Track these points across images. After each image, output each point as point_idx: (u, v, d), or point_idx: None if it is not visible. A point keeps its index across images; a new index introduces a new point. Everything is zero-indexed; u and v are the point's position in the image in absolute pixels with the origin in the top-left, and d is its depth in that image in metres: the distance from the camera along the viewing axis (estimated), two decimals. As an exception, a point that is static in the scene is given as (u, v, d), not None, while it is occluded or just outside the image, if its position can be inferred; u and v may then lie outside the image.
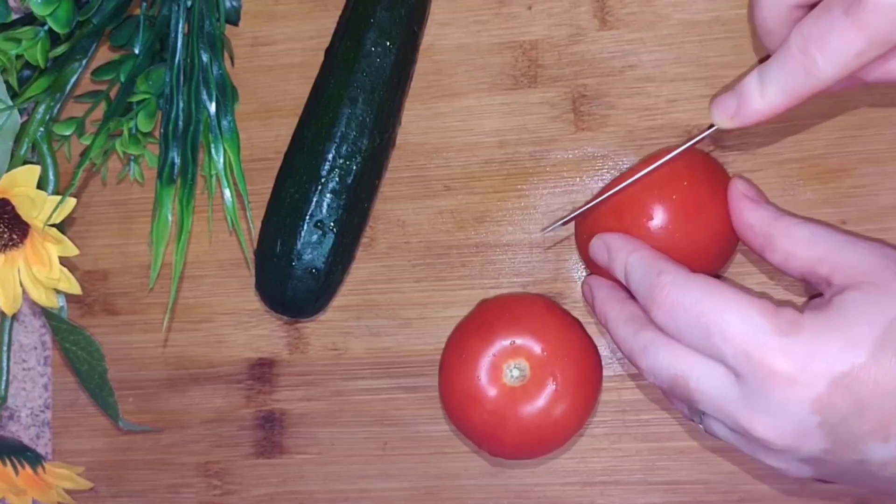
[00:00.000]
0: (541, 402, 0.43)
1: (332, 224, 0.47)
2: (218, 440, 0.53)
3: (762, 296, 0.36)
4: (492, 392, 0.44)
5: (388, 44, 0.48)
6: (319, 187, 0.47)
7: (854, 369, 0.33)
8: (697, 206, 0.41)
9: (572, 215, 0.44)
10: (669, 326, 0.37)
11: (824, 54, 0.33)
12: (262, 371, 0.52)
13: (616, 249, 0.41)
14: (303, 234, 0.47)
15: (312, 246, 0.47)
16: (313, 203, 0.47)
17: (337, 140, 0.47)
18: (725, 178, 0.42)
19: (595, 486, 0.49)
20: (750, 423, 0.35)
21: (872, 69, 0.36)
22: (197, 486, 0.53)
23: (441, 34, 0.51)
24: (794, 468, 0.37)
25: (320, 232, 0.47)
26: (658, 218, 0.41)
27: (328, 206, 0.47)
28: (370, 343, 0.51)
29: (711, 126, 0.38)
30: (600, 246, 0.42)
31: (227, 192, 0.49)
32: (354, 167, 0.47)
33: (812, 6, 0.34)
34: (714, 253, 0.42)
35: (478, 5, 0.50)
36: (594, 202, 0.43)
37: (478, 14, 0.50)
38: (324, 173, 0.47)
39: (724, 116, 0.37)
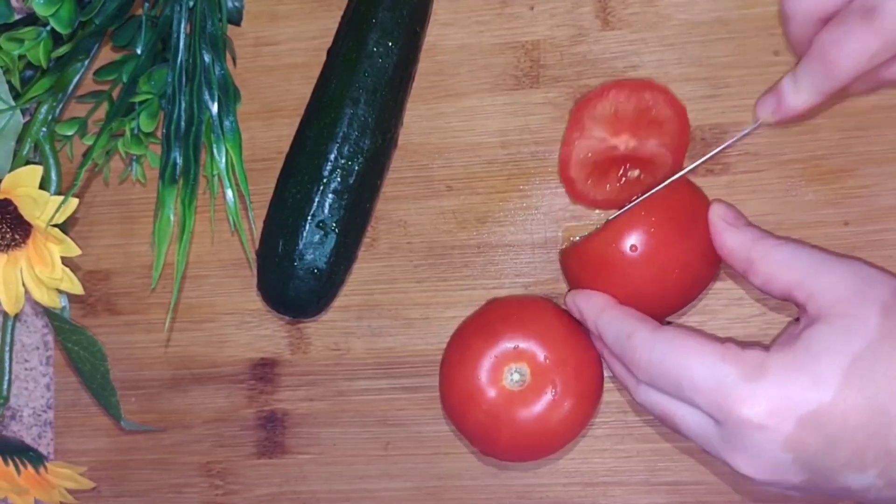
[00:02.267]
0: (537, 408, 0.43)
1: (334, 224, 0.47)
2: (220, 440, 0.53)
3: (725, 340, 0.37)
4: (490, 393, 0.44)
5: (390, 44, 0.48)
6: (321, 187, 0.47)
7: (821, 408, 0.34)
8: (671, 237, 0.42)
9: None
10: (648, 382, 0.39)
11: (843, 56, 0.37)
12: (265, 371, 0.52)
13: (586, 310, 0.43)
14: (305, 234, 0.47)
15: (314, 246, 0.47)
16: (315, 203, 0.47)
17: (339, 140, 0.47)
18: (702, 202, 0.42)
19: (597, 486, 0.49)
20: (732, 460, 0.37)
21: (886, 68, 0.39)
22: (199, 485, 0.53)
23: (443, 34, 0.51)
24: (783, 493, 0.38)
25: (322, 232, 0.47)
26: (631, 251, 0.42)
27: (330, 206, 0.47)
28: (372, 343, 0.51)
29: (756, 123, 0.42)
30: (571, 305, 0.44)
31: (229, 193, 0.49)
32: (356, 167, 0.47)
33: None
34: (689, 281, 0.43)
35: (480, 6, 0.50)
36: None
37: (480, 14, 0.50)
38: (326, 173, 0.47)
39: (767, 112, 0.41)
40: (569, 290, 0.45)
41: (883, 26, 0.36)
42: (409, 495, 0.51)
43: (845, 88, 0.38)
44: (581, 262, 0.44)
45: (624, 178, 0.47)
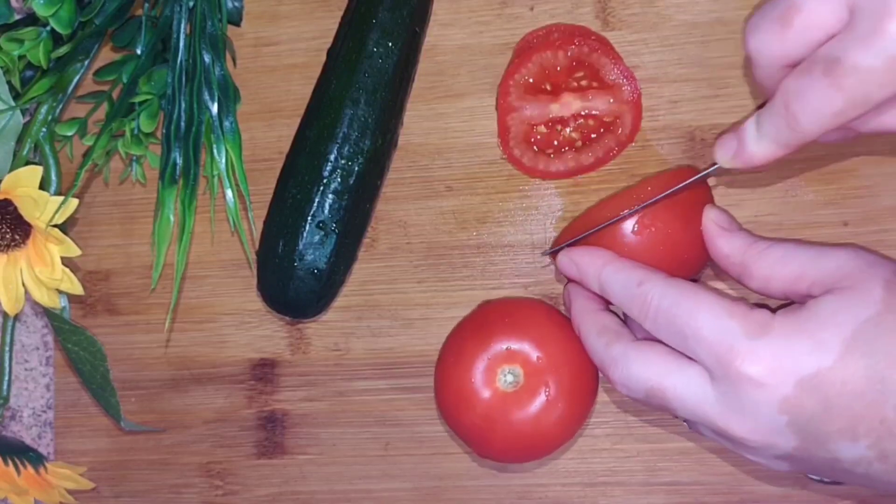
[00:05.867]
0: (532, 409, 0.43)
1: (334, 225, 0.47)
2: (220, 440, 0.53)
3: (737, 299, 0.37)
4: (484, 395, 0.44)
5: (390, 44, 0.48)
6: (321, 188, 0.47)
7: (821, 371, 0.34)
8: (669, 224, 0.42)
9: (578, 238, 0.44)
10: (654, 331, 0.39)
11: (804, 111, 0.34)
12: (264, 371, 0.52)
13: (587, 265, 0.42)
14: (305, 234, 0.47)
15: (314, 246, 0.47)
16: (315, 204, 0.47)
17: (339, 141, 0.47)
18: (704, 195, 0.42)
19: (597, 486, 0.49)
20: (726, 424, 0.36)
21: (865, 122, 0.35)
22: (199, 486, 0.53)
23: (443, 35, 0.51)
24: (773, 464, 0.38)
25: (322, 232, 0.47)
26: (630, 233, 0.41)
27: (330, 206, 0.47)
28: (372, 344, 0.51)
29: (714, 164, 0.40)
30: (567, 262, 0.43)
31: (229, 193, 0.49)
32: (356, 168, 0.47)
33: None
34: (680, 270, 0.42)
35: (480, 6, 0.50)
36: (600, 227, 0.43)
37: (480, 15, 0.50)
38: (326, 174, 0.47)
39: (726, 157, 0.39)
40: (560, 250, 0.43)
41: (845, 82, 0.32)
42: (408, 496, 0.51)
43: (816, 140, 0.35)
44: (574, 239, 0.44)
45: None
